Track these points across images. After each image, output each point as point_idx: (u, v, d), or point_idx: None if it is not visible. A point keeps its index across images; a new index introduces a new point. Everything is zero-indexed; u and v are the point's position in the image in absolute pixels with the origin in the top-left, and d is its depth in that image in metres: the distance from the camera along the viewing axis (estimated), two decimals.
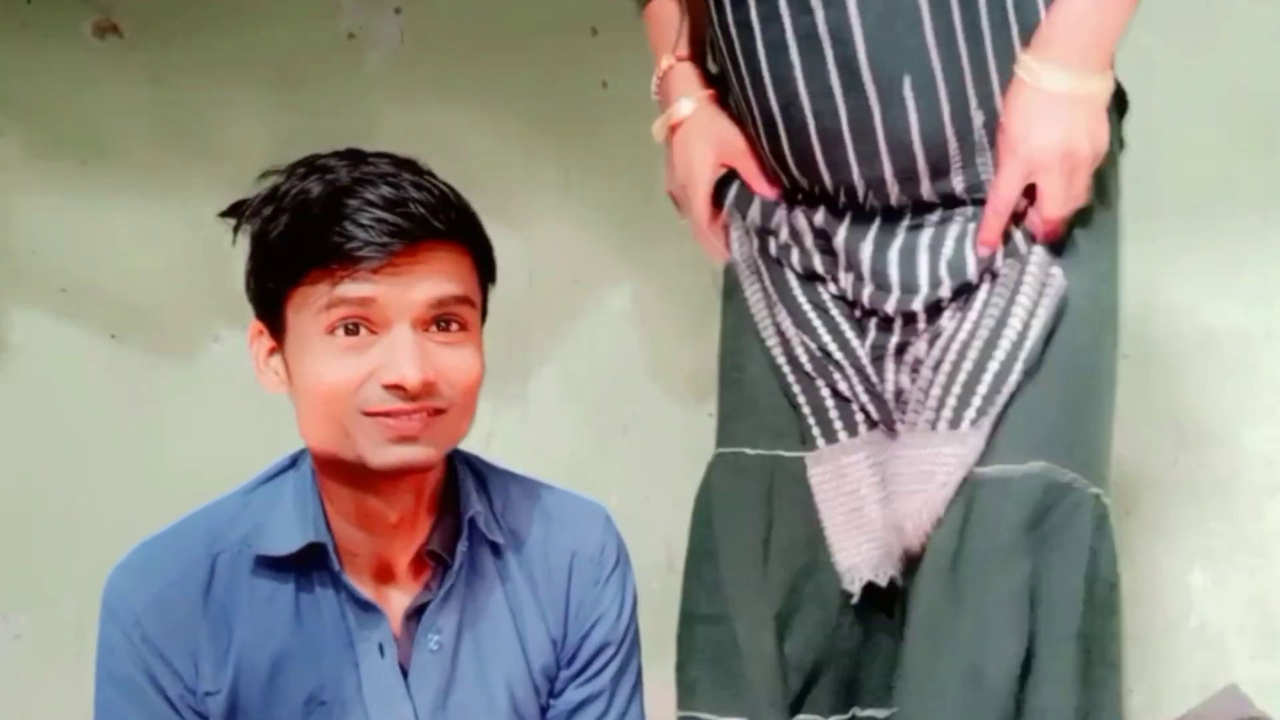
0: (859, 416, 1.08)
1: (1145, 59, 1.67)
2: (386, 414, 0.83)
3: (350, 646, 0.88)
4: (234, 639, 0.87)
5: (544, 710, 0.98)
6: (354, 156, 0.88)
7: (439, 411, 0.85)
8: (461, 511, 0.92)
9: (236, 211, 0.89)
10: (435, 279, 0.84)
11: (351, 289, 0.82)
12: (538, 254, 1.76)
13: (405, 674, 0.90)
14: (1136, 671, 1.78)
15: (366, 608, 0.88)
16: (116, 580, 0.88)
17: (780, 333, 1.09)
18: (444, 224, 0.84)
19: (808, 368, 1.08)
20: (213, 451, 1.49)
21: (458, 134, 1.79)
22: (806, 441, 1.09)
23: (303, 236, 0.83)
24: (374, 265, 0.81)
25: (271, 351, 0.88)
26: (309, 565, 0.88)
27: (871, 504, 1.06)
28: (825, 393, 1.08)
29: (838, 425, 1.08)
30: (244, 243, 0.89)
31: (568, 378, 1.81)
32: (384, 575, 0.91)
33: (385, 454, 0.83)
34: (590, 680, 0.98)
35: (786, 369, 1.09)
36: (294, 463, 0.94)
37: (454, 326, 0.86)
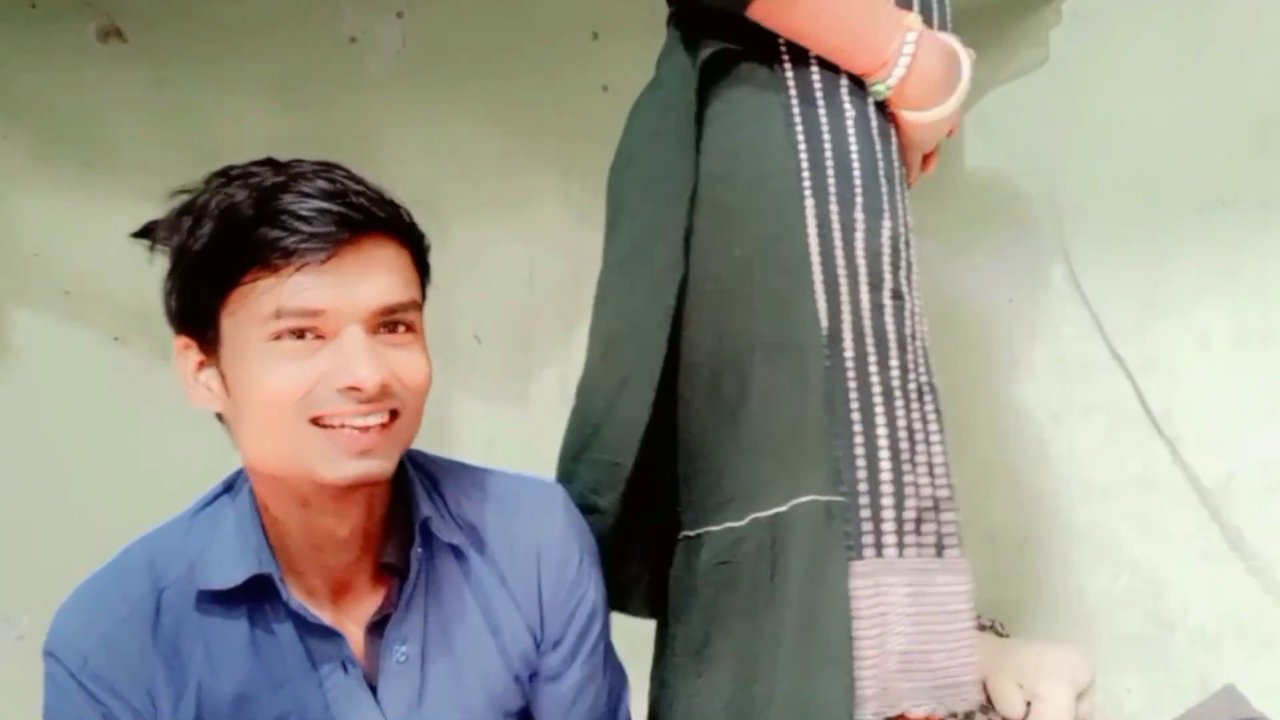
0: None
1: (1143, 62, 1.68)
2: (341, 424, 0.79)
3: (313, 669, 0.86)
4: (190, 673, 0.84)
5: (524, 690, 0.97)
6: (272, 163, 0.84)
7: (394, 415, 0.82)
8: (413, 517, 0.90)
9: (149, 232, 0.85)
10: (381, 281, 0.81)
11: (298, 297, 0.78)
12: (539, 256, 1.76)
13: (375, 689, 0.88)
14: (1136, 672, 1.79)
15: (323, 632, 0.86)
16: (60, 623, 0.85)
17: None
18: (386, 214, 0.82)
19: None
20: (215, 453, 1.49)
21: (459, 137, 1.80)
22: None
23: (235, 239, 0.79)
24: (320, 258, 0.78)
25: (201, 365, 0.84)
26: (258, 594, 0.85)
27: None
28: None
29: None
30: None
31: (569, 379, 1.82)
32: (340, 592, 0.89)
33: (341, 469, 0.80)
34: (588, 658, 0.99)
35: None
36: (229, 488, 0.91)
37: (401, 329, 0.84)
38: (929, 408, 1.04)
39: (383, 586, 0.90)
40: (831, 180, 0.97)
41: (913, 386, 1.02)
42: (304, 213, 0.78)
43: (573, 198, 1.87)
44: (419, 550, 0.89)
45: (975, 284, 2.01)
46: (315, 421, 0.80)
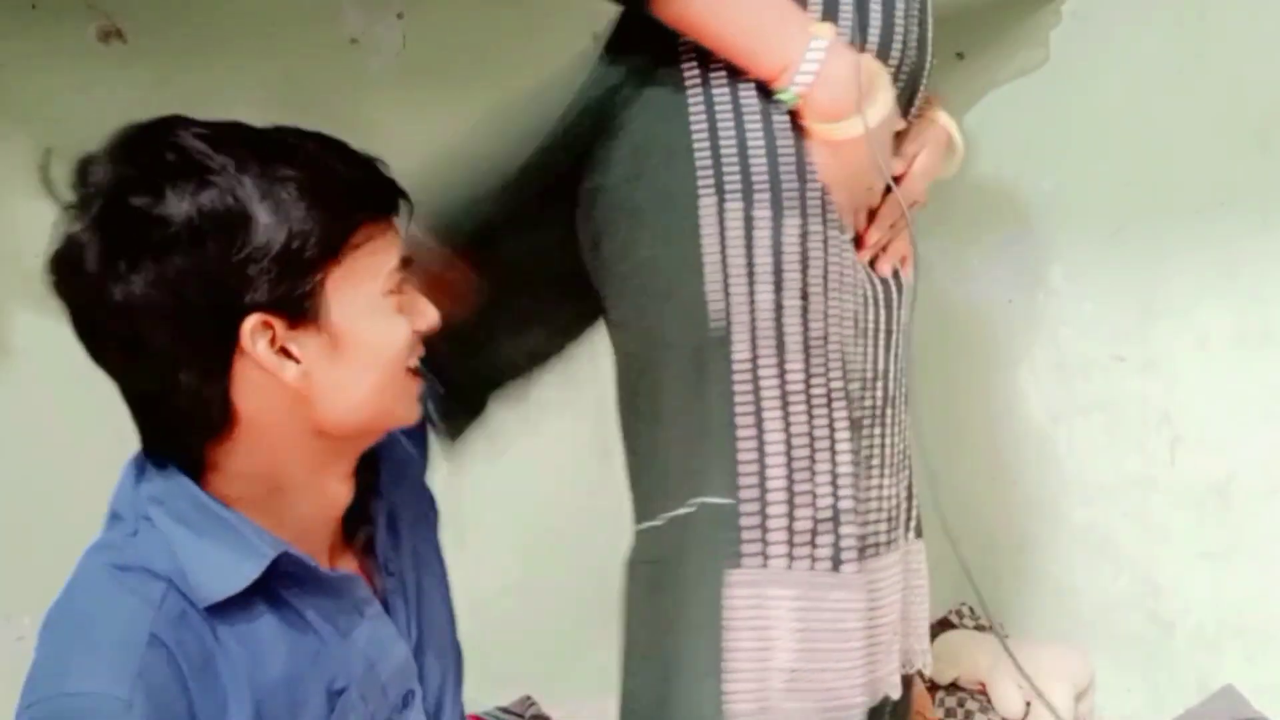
0: None
1: (1143, 63, 1.68)
2: (414, 371, 0.83)
3: (337, 626, 0.83)
4: (235, 681, 0.76)
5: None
6: (291, 133, 0.81)
7: None
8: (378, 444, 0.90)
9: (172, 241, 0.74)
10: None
11: (402, 248, 0.82)
12: None
13: (389, 612, 0.88)
14: (1135, 672, 1.79)
15: (339, 584, 0.83)
16: (83, 685, 0.71)
17: None
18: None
19: None
20: None
21: (459, 138, 1.80)
22: None
23: (342, 194, 0.77)
24: (396, 212, 0.82)
25: (274, 340, 0.76)
26: (265, 575, 0.78)
27: None
28: None
29: None
30: None
31: (570, 380, 1.82)
32: (322, 546, 0.86)
33: (414, 409, 0.85)
34: None
35: None
36: (135, 523, 0.81)
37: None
38: (839, 414, 0.96)
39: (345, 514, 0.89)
40: (734, 177, 0.95)
41: (818, 392, 0.96)
42: (363, 168, 0.81)
43: None
44: (381, 466, 0.91)
45: (975, 284, 2.01)
46: (408, 370, 0.83)
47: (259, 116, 1.82)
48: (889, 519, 1.03)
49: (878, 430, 1.02)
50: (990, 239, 1.97)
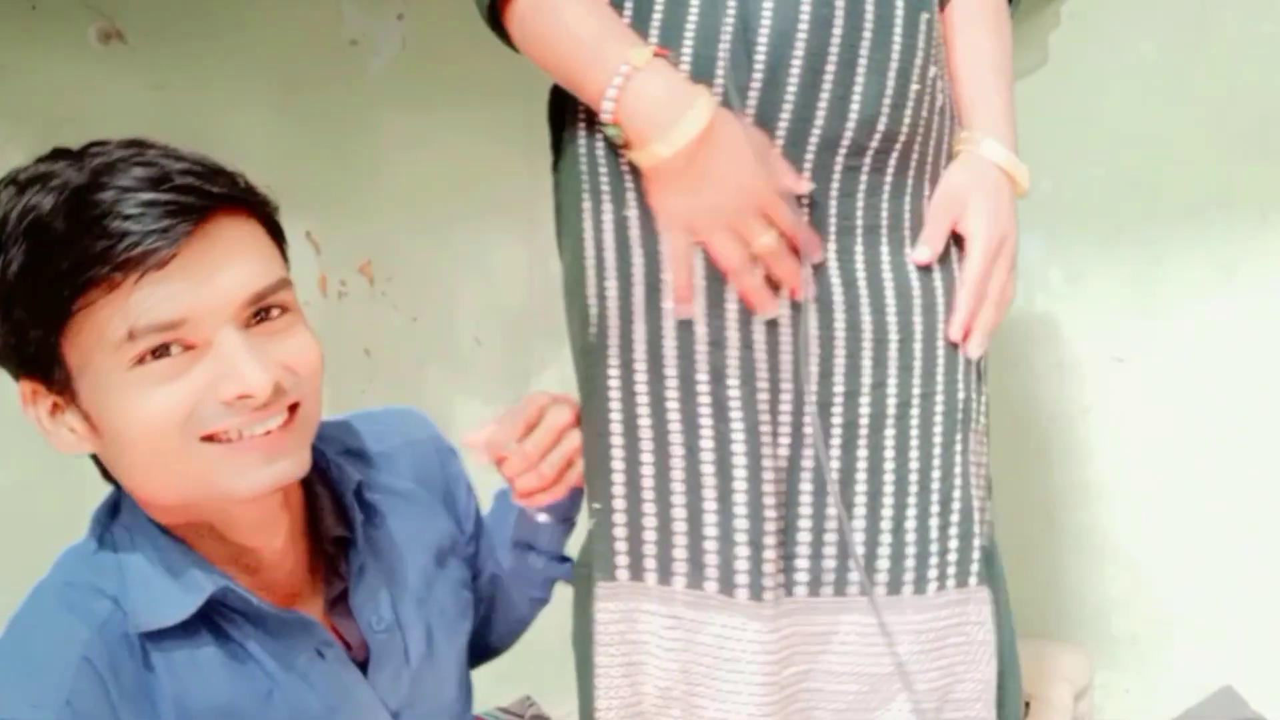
0: None
1: (1141, 64, 1.68)
2: (239, 435, 0.71)
3: (293, 667, 0.79)
4: (164, 714, 0.73)
5: (473, 593, 0.96)
6: (68, 156, 0.71)
7: (294, 409, 0.74)
8: (341, 488, 0.83)
9: None
10: (241, 267, 0.71)
11: (150, 312, 0.67)
12: (539, 258, 1.77)
13: (365, 667, 0.83)
14: (1133, 672, 1.79)
15: (294, 625, 0.79)
16: (8, 710, 0.70)
17: None
18: (224, 188, 0.72)
19: None
20: None
21: (459, 139, 1.80)
22: None
23: (54, 259, 0.66)
24: (163, 260, 0.66)
25: (55, 408, 0.72)
26: (209, 610, 0.75)
27: None
28: None
29: None
30: None
31: (569, 381, 1.82)
32: (284, 589, 0.82)
33: (253, 479, 0.72)
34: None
35: None
36: (113, 514, 0.79)
37: (277, 313, 0.74)
38: (735, 425, 0.89)
39: (318, 563, 0.84)
40: (605, 180, 0.92)
41: (704, 400, 0.89)
42: (129, 211, 0.66)
43: None
44: (360, 515, 0.83)
45: None
46: (209, 439, 0.71)
47: (258, 117, 1.83)
48: (845, 558, 0.91)
49: (858, 452, 0.92)
50: None
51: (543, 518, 1.01)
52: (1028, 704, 1.83)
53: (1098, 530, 1.82)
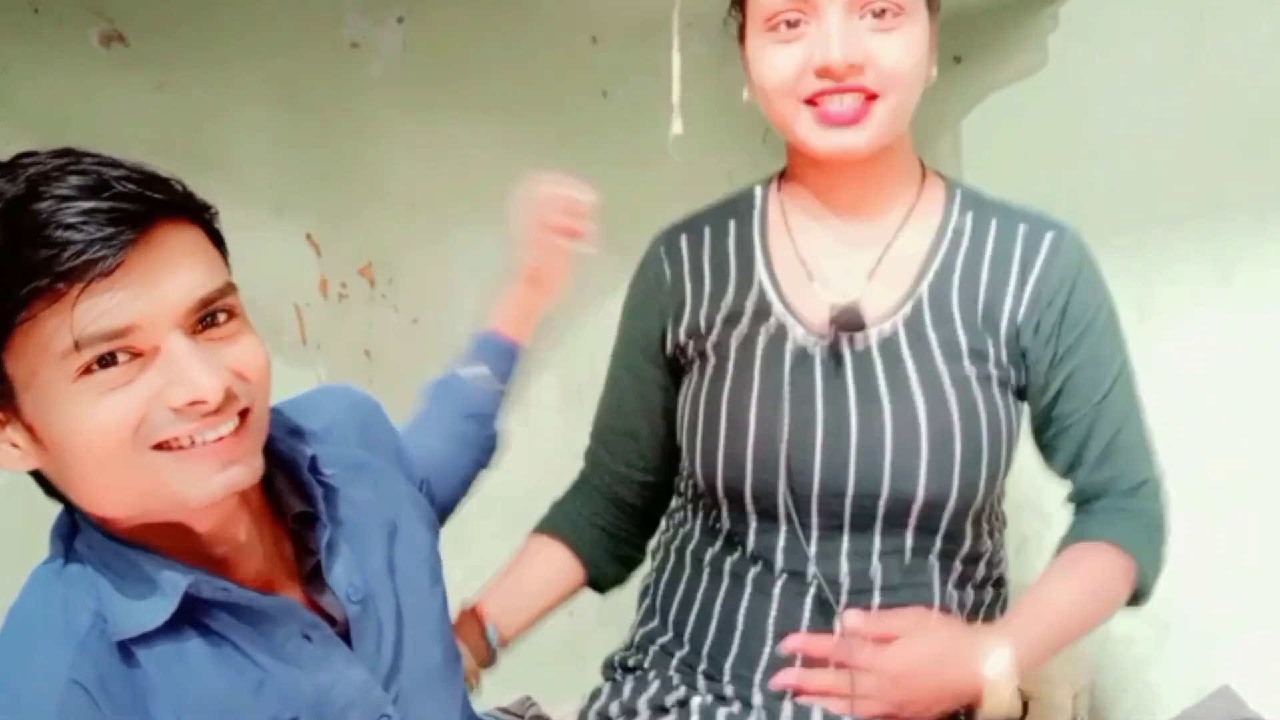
0: None
1: (1139, 66, 1.69)
2: (191, 443, 0.70)
3: (281, 653, 0.78)
4: (158, 715, 0.73)
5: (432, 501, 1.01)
6: None
7: (244, 414, 0.73)
8: (296, 465, 0.83)
9: None
10: (186, 273, 0.70)
11: (96, 321, 0.66)
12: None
13: (349, 639, 0.82)
14: (1131, 672, 1.79)
15: (276, 609, 0.78)
16: None
17: None
18: (164, 195, 0.71)
19: None
20: None
21: (459, 143, 1.81)
22: None
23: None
24: (108, 267, 0.65)
25: None
26: (189, 606, 0.74)
27: None
28: None
29: None
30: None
31: (569, 382, 1.83)
32: (257, 576, 0.81)
33: (207, 486, 0.71)
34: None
35: None
36: (71, 533, 0.78)
37: (223, 318, 0.73)
38: None
39: (284, 543, 0.84)
40: None
41: None
42: (69, 220, 0.64)
43: None
44: (319, 490, 0.83)
45: None
46: (161, 447, 0.70)
47: (260, 119, 1.84)
48: None
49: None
50: None
51: (484, 370, 1.15)
52: (1026, 704, 1.84)
53: None
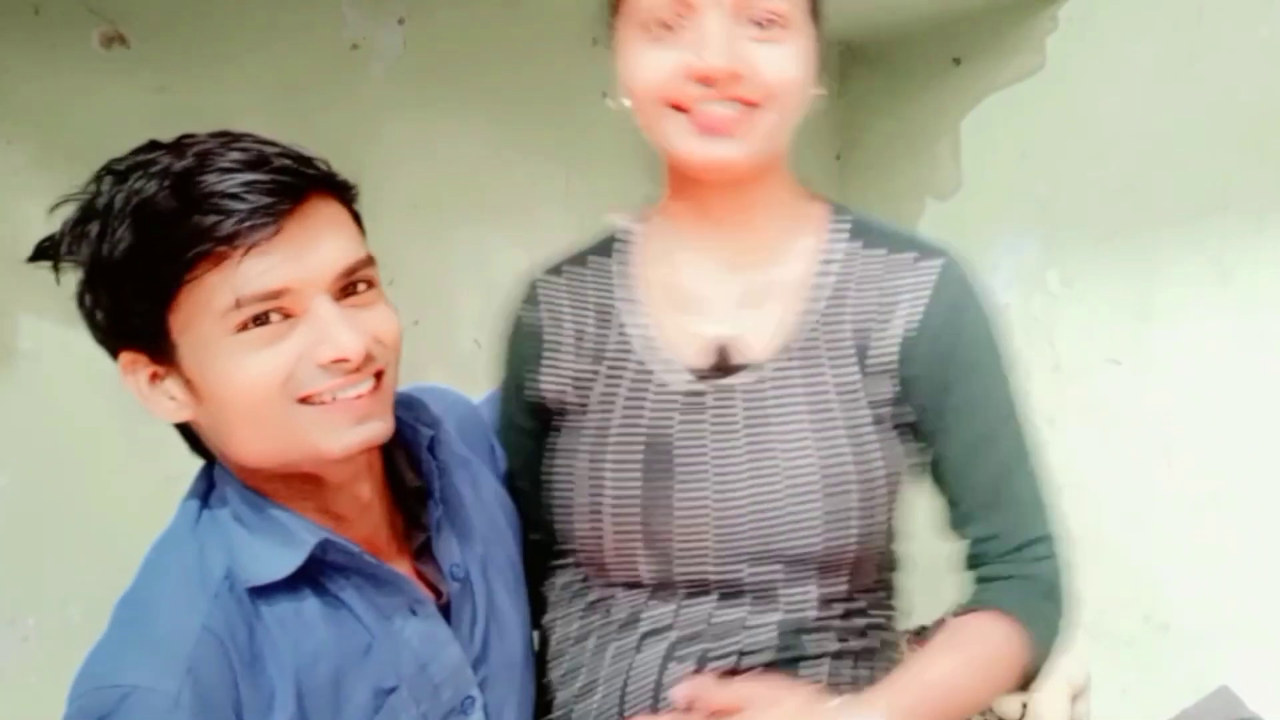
0: None
1: (1138, 68, 1.69)
2: (333, 398, 0.75)
3: (389, 623, 0.82)
4: (282, 673, 0.77)
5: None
6: (165, 146, 0.75)
7: (379, 376, 0.78)
8: (415, 444, 0.87)
9: (49, 253, 0.78)
10: (335, 242, 0.76)
11: (256, 281, 0.72)
12: (539, 261, 1.77)
13: (448, 616, 0.85)
14: (1130, 672, 1.80)
15: (388, 580, 0.82)
16: (128, 665, 0.73)
17: None
18: (317, 171, 0.76)
19: None
20: None
21: (460, 143, 1.81)
22: None
23: (165, 235, 0.71)
24: (269, 234, 0.71)
25: (155, 377, 0.77)
26: (310, 569, 0.79)
27: None
28: None
29: None
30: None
31: None
32: (371, 544, 0.84)
33: (345, 438, 0.76)
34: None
35: None
36: (210, 489, 0.82)
37: (363, 287, 0.78)
38: None
39: (398, 516, 0.88)
40: None
41: None
42: (233, 190, 0.71)
43: (572, 202, 1.88)
44: (435, 469, 0.87)
45: None
46: (305, 401, 0.75)
47: (261, 120, 1.82)
48: None
49: None
50: (986, 243, 1.98)
51: None
52: (1024, 704, 1.84)
53: (1095, 532, 1.82)
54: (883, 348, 0.90)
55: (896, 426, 0.91)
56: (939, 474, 0.94)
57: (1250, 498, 1.60)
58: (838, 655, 0.93)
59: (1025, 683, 0.92)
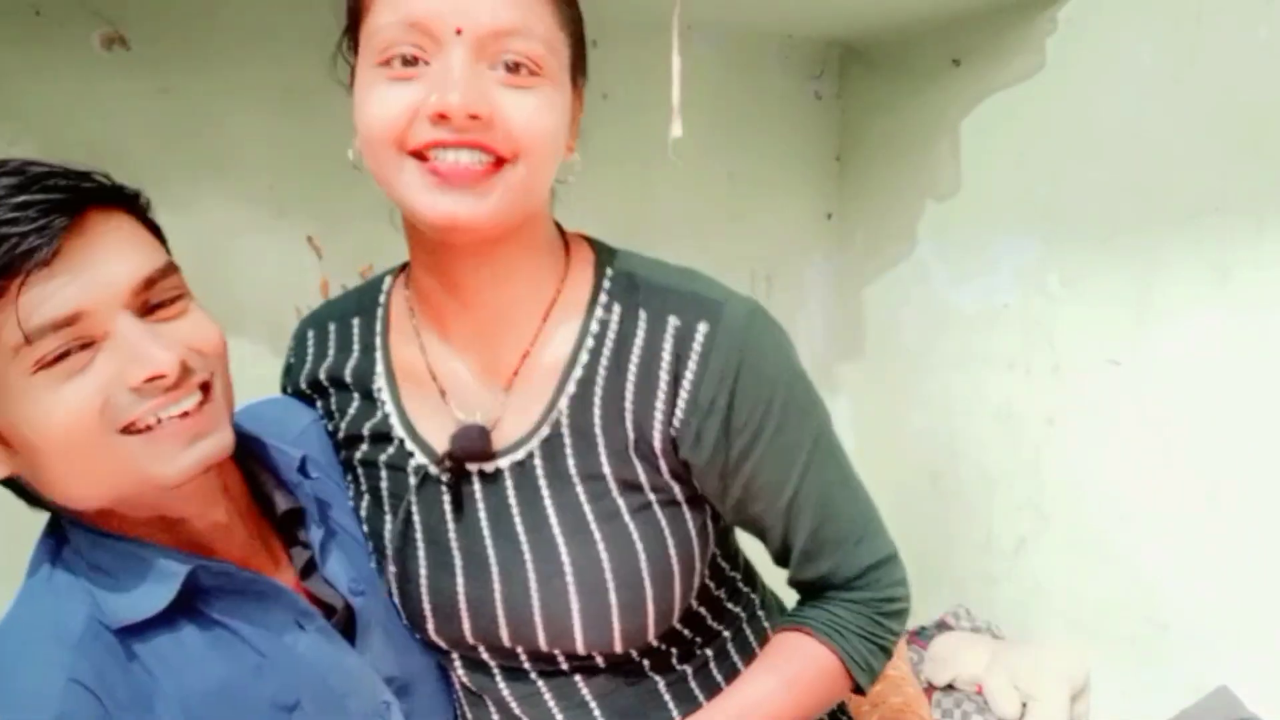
0: None
1: (1138, 69, 1.69)
2: (157, 420, 0.70)
3: (278, 638, 0.79)
4: (161, 712, 0.73)
5: None
6: None
7: (207, 387, 0.74)
8: (283, 469, 0.84)
9: None
10: (128, 255, 0.71)
11: (41, 311, 0.66)
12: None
13: (353, 629, 0.83)
14: (1129, 673, 1.80)
15: (266, 593, 0.79)
16: None
17: None
18: (95, 185, 0.71)
19: None
20: None
21: None
22: None
23: None
24: (46, 257, 0.65)
25: None
26: (184, 595, 0.75)
27: None
28: None
29: None
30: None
31: None
32: (247, 564, 0.81)
33: (180, 462, 0.71)
34: None
35: None
36: (58, 543, 0.78)
37: (169, 298, 0.74)
38: None
39: (274, 541, 0.84)
40: None
41: None
42: (3, 216, 0.65)
43: (573, 202, 1.88)
44: (310, 490, 0.83)
45: (971, 289, 2.02)
46: (128, 430, 0.70)
47: (261, 121, 1.83)
48: None
49: None
50: (986, 244, 1.98)
51: None
52: (1024, 704, 1.84)
53: (1094, 532, 1.83)
54: (656, 430, 0.82)
55: (689, 500, 0.84)
56: (755, 531, 0.88)
57: (1250, 498, 1.60)
58: (701, 665, 0.91)
59: (859, 689, 0.89)
